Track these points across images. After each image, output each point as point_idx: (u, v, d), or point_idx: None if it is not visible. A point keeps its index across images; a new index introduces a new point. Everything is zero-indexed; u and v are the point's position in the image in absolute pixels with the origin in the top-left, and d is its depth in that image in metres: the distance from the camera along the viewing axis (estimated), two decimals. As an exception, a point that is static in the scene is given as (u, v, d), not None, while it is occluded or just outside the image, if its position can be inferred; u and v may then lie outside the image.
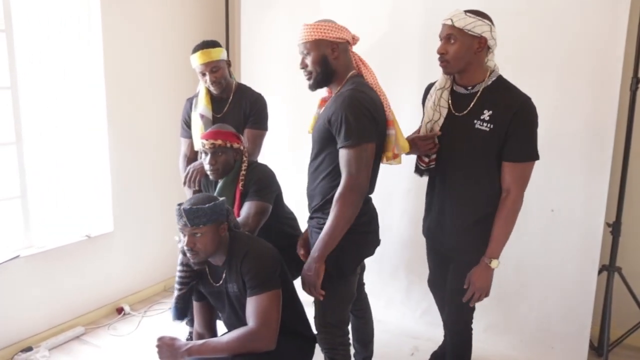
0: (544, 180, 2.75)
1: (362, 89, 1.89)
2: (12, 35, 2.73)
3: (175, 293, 2.07)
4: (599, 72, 2.60)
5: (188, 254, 1.92)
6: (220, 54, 2.58)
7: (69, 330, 3.04)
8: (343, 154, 1.83)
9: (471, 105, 1.95)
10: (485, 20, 1.88)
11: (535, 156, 1.94)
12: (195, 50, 2.57)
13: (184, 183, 2.58)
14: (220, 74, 2.59)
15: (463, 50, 1.89)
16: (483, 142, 1.92)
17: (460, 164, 2.00)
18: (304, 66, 1.96)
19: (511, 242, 2.84)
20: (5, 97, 2.76)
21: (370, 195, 2.06)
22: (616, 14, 2.53)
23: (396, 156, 2.00)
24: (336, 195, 1.84)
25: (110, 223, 3.33)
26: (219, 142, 2.27)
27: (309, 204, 2.07)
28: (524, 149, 1.91)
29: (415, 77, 3.02)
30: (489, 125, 1.90)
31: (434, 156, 2.09)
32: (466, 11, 1.88)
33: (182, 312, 2.10)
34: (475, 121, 1.93)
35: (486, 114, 1.91)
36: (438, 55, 1.95)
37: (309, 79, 1.97)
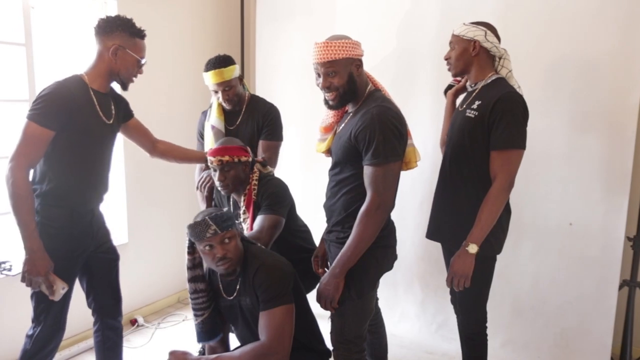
0: (561, 193, 2.71)
1: (388, 105, 1.89)
2: (32, 48, 2.77)
3: (197, 320, 2.04)
4: (618, 82, 2.56)
5: (221, 266, 1.89)
6: (232, 72, 2.56)
7: (83, 342, 3.05)
8: (370, 172, 1.83)
9: (469, 100, 2.11)
10: (480, 27, 2.07)
11: (517, 144, 1.96)
12: (208, 68, 2.55)
13: (197, 187, 2.62)
14: (232, 92, 2.59)
15: (460, 53, 2.11)
16: (468, 127, 2.05)
17: (452, 152, 2.14)
18: (327, 85, 1.91)
19: (528, 256, 2.83)
20: (24, 110, 2.79)
21: None
22: (635, 24, 2.50)
23: (416, 161, 2.04)
24: (361, 212, 1.84)
25: (125, 234, 3.35)
26: (226, 158, 2.26)
27: (328, 218, 2.07)
28: (505, 136, 1.94)
29: (429, 89, 3.01)
30: (474, 112, 2.04)
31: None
32: (464, 23, 2.11)
33: (211, 333, 2.07)
34: (467, 110, 2.08)
35: (475, 104, 2.05)
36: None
37: (333, 98, 1.93)
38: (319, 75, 1.91)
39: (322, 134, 2.12)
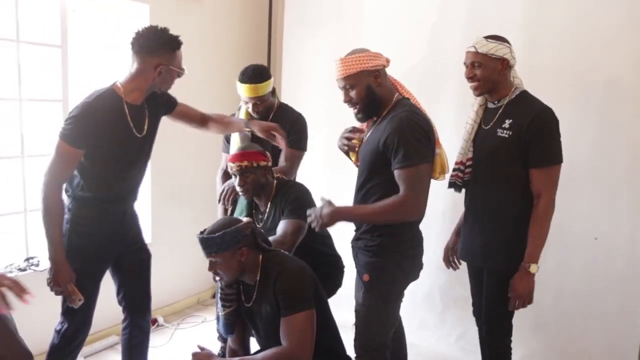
0: (587, 207, 2.67)
1: (416, 111, 1.93)
2: (67, 50, 2.85)
3: (222, 312, 2.07)
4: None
5: (216, 276, 1.96)
6: (267, 88, 2.55)
7: (104, 339, 3.10)
8: (402, 174, 1.85)
9: (495, 118, 2.08)
10: (505, 43, 2.05)
11: (558, 159, 2.01)
12: (244, 80, 2.54)
13: (219, 200, 2.61)
14: (263, 106, 2.60)
15: (489, 73, 2.04)
16: (503, 148, 2.02)
17: (485, 173, 2.11)
18: (348, 100, 1.97)
19: (551, 269, 2.79)
20: (57, 110, 2.89)
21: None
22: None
23: (443, 173, 2.04)
24: (393, 199, 1.85)
25: (149, 235, 3.40)
26: (245, 163, 2.29)
27: (357, 226, 2.08)
28: (546, 153, 1.98)
29: (455, 98, 3.01)
30: (508, 132, 2.01)
31: (468, 170, 2.17)
32: (486, 37, 2.05)
33: (232, 327, 2.11)
34: (497, 130, 2.05)
35: (507, 123, 2.03)
36: (465, 77, 2.10)
37: (357, 112, 1.98)
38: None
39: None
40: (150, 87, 2.07)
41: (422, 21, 3.16)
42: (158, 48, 2.00)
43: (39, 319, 2.47)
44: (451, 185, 2.26)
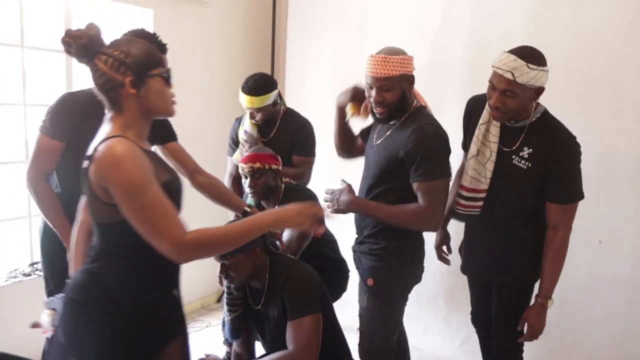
0: (591, 211, 2.65)
1: (438, 124, 1.91)
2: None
3: (228, 317, 2.08)
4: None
5: (225, 281, 1.95)
6: (266, 100, 2.54)
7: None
8: (423, 186, 1.84)
9: (518, 142, 1.90)
10: (545, 68, 1.77)
11: (580, 196, 1.92)
12: (244, 90, 2.55)
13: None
14: (263, 115, 2.61)
15: (524, 104, 1.82)
16: (519, 180, 1.90)
17: (496, 198, 1.98)
18: (380, 100, 1.88)
19: (556, 273, 2.77)
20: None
21: None
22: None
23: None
24: (414, 207, 1.85)
25: (152, 239, 3.39)
26: (257, 165, 2.30)
27: (360, 230, 2.08)
28: (569, 191, 1.90)
29: (458, 102, 2.98)
30: (527, 163, 1.88)
31: (476, 202, 2.02)
32: (526, 61, 1.73)
33: (239, 331, 2.12)
34: (514, 156, 1.90)
35: (525, 152, 1.88)
36: (491, 104, 1.85)
37: (382, 112, 1.91)
38: (371, 87, 1.90)
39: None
40: None
41: (425, 24, 3.16)
42: None
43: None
44: (454, 215, 2.14)
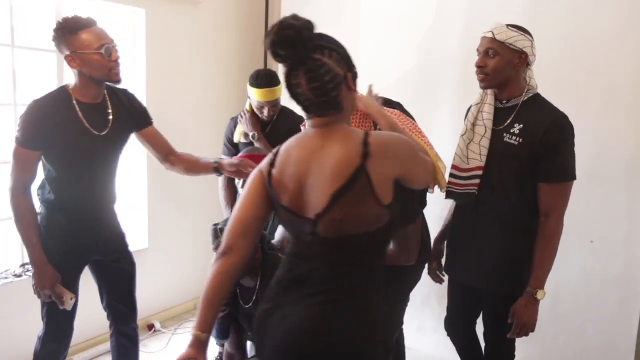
0: (583, 210, 2.67)
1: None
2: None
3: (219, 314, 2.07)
4: (643, 101, 2.54)
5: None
6: (279, 92, 2.57)
7: (100, 345, 3.08)
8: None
9: (508, 121, 1.88)
10: (527, 36, 1.84)
11: (572, 176, 1.85)
12: (259, 85, 2.52)
13: (241, 186, 2.61)
14: (277, 109, 2.63)
15: (503, 64, 1.83)
16: (510, 157, 1.85)
17: (491, 181, 1.91)
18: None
19: (548, 273, 2.78)
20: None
21: None
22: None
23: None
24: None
25: (145, 240, 3.39)
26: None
27: None
28: (560, 168, 1.82)
29: (453, 102, 3.01)
30: (517, 139, 1.83)
31: (477, 180, 1.94)
32: (508, 25, 1.85)
33: (227, 331, 2.12)
34: (505, 134, 1.86)
35: (516, 128, 1.84)
36: (476, 69, 1.90)
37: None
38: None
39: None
40: (86, 79, 1.97)
41: (420, 24, 3.16)
42: (58, 40, 1.93)
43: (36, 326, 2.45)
44: (453, 196, 2.04)
